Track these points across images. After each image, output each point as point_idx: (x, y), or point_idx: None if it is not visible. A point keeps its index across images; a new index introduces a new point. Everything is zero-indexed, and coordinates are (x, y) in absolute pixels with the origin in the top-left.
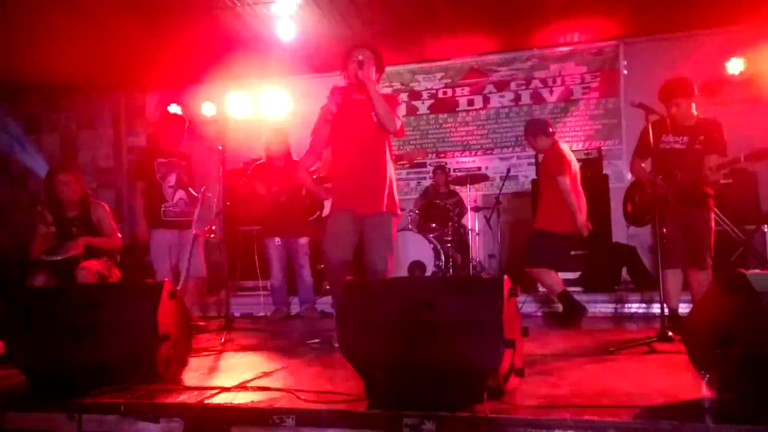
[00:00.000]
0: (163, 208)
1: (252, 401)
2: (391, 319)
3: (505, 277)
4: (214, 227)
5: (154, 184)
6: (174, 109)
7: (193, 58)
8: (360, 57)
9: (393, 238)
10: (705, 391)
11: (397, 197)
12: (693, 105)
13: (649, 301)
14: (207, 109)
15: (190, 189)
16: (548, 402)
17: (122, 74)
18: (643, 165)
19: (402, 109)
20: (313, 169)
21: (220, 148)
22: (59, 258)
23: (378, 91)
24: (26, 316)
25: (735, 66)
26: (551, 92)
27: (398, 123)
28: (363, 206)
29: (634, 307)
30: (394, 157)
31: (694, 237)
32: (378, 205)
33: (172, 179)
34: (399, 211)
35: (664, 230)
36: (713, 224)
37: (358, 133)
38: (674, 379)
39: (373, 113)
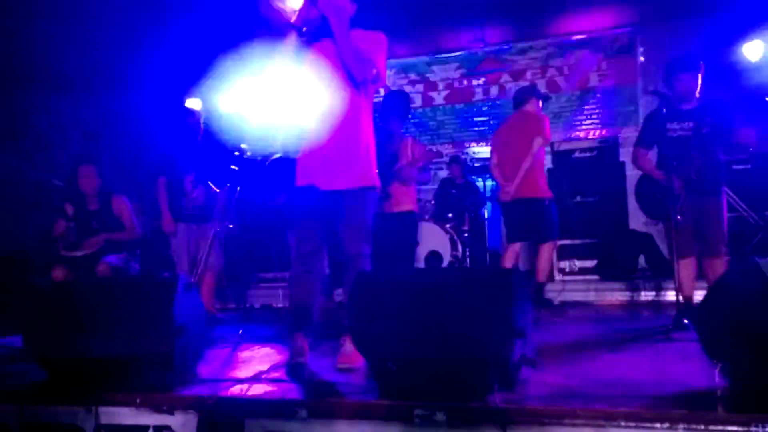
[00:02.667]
0: (183, 203)
1: (266, 393)
2: (401, 310)
3: (517, 266)
4: (231, 225)
5: (174, 179)
6: (191, 103)
7: (211, 51)
8: None
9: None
10: (717, 380)
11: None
12: (698, 80)
13: (666, 290)
14: (225, 102)
15: (210, 183)
16: (560, 392)
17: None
18: (648, 156)
19: (418, 99)
20: None
21: (243, 146)
22: (79, 254)
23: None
24: (45, 310)
25: (753, 49)
26: (567, 80)
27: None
28: (332, 180)
29: (651, 295)
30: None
31: (707, 226)
32: (352, 179)
33: (193, 174)
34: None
35: (679, 218)
36: (726, 211)
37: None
38: (688, 367)
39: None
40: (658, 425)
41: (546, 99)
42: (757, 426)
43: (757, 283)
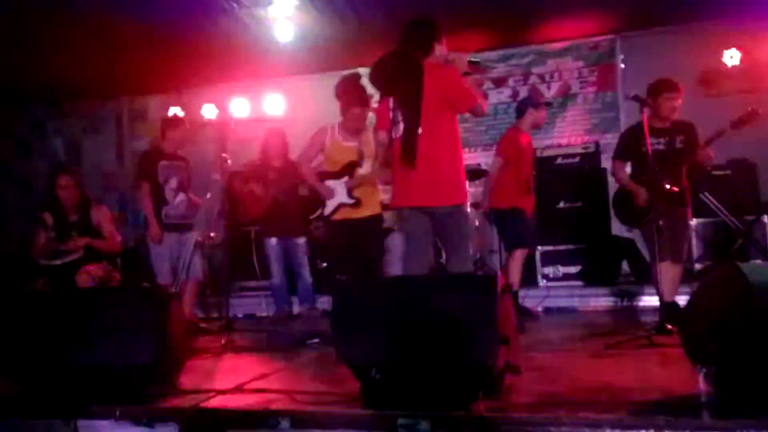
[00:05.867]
0: (164, 211)
1: (247, 404)
2: (384, 318)
3: (499, 273)
4: (213, 233)
5: (156, 187)
6: (175, 111)
7: (194, 62)
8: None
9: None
10: (702, 385)
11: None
12: (679, 101)
13: (649, 294)
14: (208, 111)
15: (190, 192)
16: (544, 399)
17: (125, 79)
18: (626, 167)
19: None
20: (314, 165)
21: (224, 155)
22: (59, 262)
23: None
24: (23, 320)
25: (731, 57)
26: (549, 87)
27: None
28: (432, 198)
29: (634, 301)
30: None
31: (674, 232)
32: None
33: (174, 182)
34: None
35: (661, 223)
36: (690, 224)
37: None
38: (672, 373)
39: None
40: None
41: (539, 106)
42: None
43: (739, 287)
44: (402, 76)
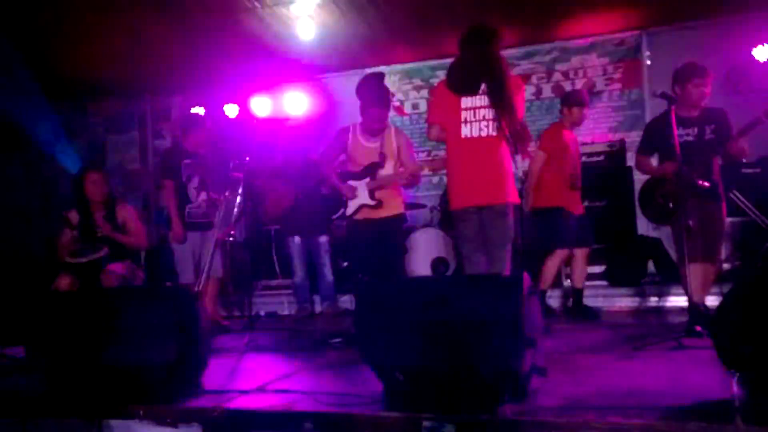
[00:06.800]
0: (187, 210)
1: (271, 405)
2: (409, 319)
3: (525, 273)
4: (233, 231)
5: (179, 185)
6: (197, 110)
7: (217, 61)
8: None
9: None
10: (735, 390)
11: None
12: (709, 87)
13: (676, 295)
14: (230, 110)
15: (211, 191)
16: (572, 403)
17: (148, 78)
18: (651, 161)
19: (422, 105)
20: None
21: (247, 159)
22: (84, 260)
23: None
24: (49, 320)
25: (762, 53)
26: (573, 85)
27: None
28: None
29: (661, 301)
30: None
31: (706, 230)
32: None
33: (196, 181)
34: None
35: (690, 223)
36: (726, 220)
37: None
38: (703, 377)
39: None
40: None
41: (585, 104)
42: None
43: None
44: (492, 76)
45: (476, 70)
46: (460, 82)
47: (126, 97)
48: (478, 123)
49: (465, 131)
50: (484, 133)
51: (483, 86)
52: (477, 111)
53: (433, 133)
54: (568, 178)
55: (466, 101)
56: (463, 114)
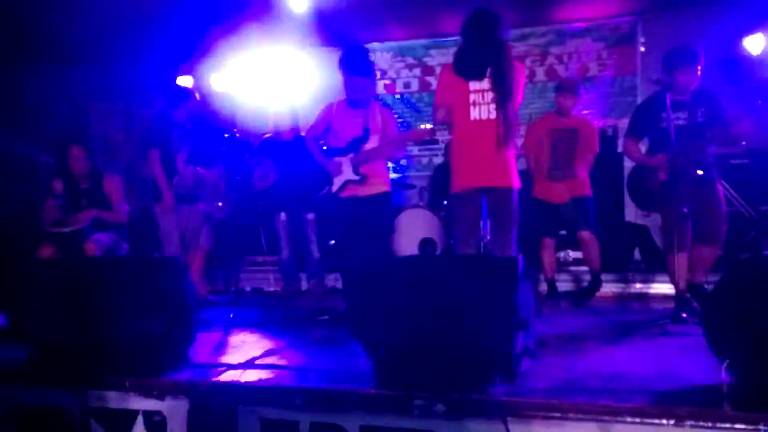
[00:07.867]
0: (175, 182)
1: (259, 379)
2: (400, 298)
3: (520, 256)
4: (221, 203)
5: (167, 156)
6: (184, 81)
7: (205, 31)
8: None
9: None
10: (723, 376)
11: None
12: (698, 73)
13: (660, 282)
14: (217, 81)
15: (200, 164)
16: (561, 385)
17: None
18: (640, 146)
19: (414, 84)
20: (321, 142)
21: (235, 131)
22: (67, 230)
23: None
24: (32, 289)
25: (754, 43)
26: (567, 69)
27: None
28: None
29: (645, 288)
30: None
31: (709, 212)
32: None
33: (185, 153)
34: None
35: (685, 210)
36: (723, 200)
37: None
38: (690, 362)
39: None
40: (664, 422)
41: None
42: (766, 425)
43: (765, 277)
44: (497, 63)
45: (483, 56)
46: (468, 68)
47: (114, 63)
48: (487, 106)
49: (474, 113)
50: (492, 116)
51: (489, 70)
52: (485, 93)
53: (440, 114)
54: (546, 172)
55: (475, 84)
56: (472, 96)
